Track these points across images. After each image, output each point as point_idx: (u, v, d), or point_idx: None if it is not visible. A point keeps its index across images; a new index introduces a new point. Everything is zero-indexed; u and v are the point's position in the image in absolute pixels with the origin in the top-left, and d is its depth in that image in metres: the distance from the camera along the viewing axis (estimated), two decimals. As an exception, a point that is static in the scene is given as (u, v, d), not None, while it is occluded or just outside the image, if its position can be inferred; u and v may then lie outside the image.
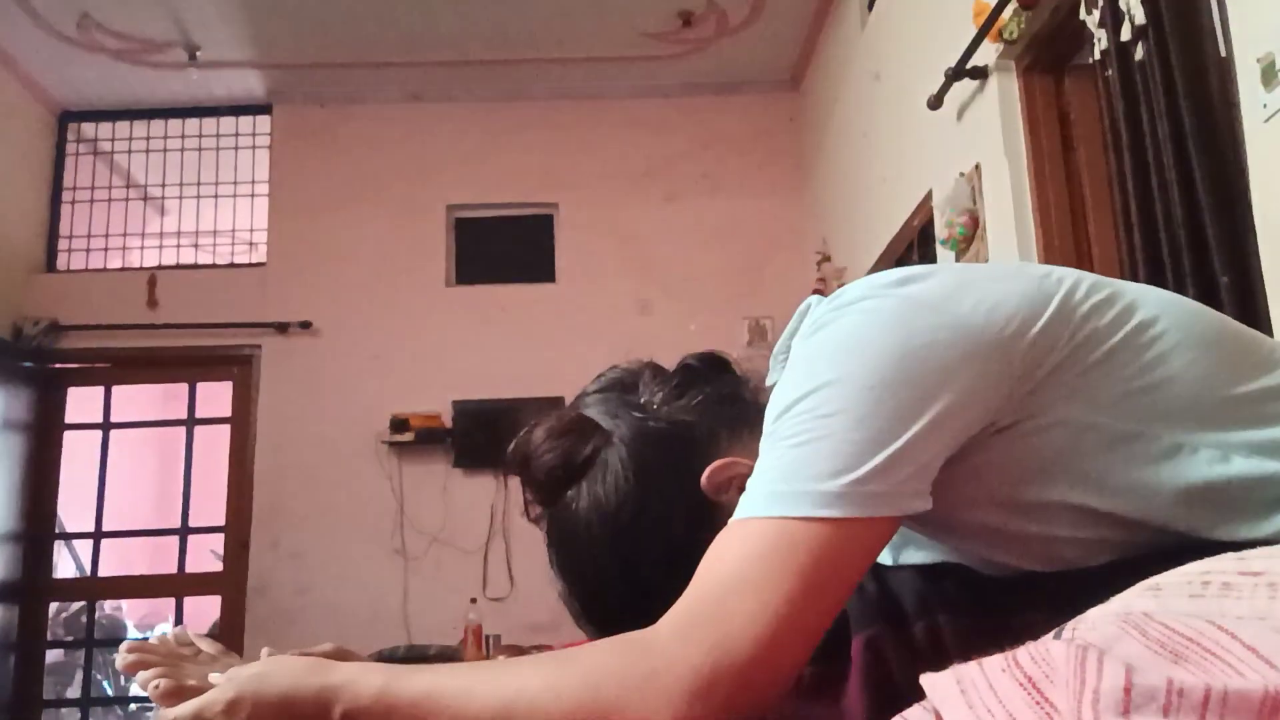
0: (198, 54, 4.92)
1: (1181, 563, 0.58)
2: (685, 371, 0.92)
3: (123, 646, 0.89)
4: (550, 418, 0.91)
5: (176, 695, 0.84)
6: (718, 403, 0.87)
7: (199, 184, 5.46)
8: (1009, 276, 0.76)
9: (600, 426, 0.88)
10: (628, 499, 0.83)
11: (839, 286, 4.08)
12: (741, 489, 0.76)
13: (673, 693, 0.64)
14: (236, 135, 5.47)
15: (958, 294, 0.73)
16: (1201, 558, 0.58)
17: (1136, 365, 0.72)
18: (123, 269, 5.33)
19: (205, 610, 5.41)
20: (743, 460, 0.81)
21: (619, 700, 0.65)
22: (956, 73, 2.98)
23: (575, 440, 0.88)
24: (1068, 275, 0.76)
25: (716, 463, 0.83)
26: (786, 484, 0.68)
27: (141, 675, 0.86)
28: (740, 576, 0.67)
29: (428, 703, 0.70)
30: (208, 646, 0.95)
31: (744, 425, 0.85)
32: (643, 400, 0.90)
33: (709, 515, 0.79)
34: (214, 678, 0.80)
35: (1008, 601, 0.73)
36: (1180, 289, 1.90)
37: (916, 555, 0.83)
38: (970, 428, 0.70)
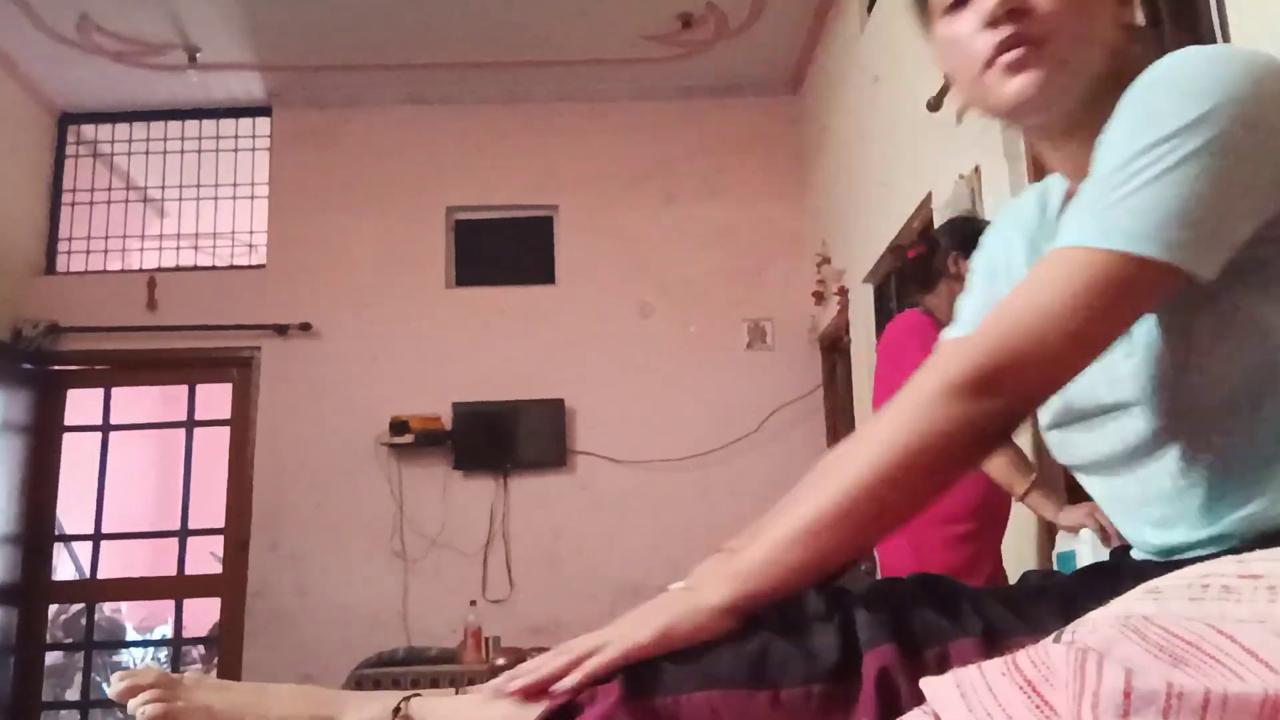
0: (197, 56, 4.92)
1: None
2: None
3: (114, 676, 0.90)
4: None
5: (167, 719, 0.86)
6: None
7: (199, 186, 5.46)
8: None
9: None
10: None
11: (839, 289, 4.05)
12: None
13: (948, 391, 0.77)
14: (236, 137, 5.47)
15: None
16: None
17: None
18: (122, 271, 5.33)
19: (205, 612, 5.40)
20: None
21: (916, 409, 0.78)
22: (956, 75, 2.97)
23: None
24: None
25: None
26: (1099, 218, 0.74)
27: (132, 702, 0.87)
28: (1045, 288, 0.76)
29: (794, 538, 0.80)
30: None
31: None
32: None
33: None
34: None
35: (1025, 629, 0.73)
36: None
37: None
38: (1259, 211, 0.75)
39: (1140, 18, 0.90)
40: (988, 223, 2.36)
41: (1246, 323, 0.77)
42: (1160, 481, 0.83)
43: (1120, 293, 0.73)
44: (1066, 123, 0.88)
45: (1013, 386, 0.76)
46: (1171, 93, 0.76)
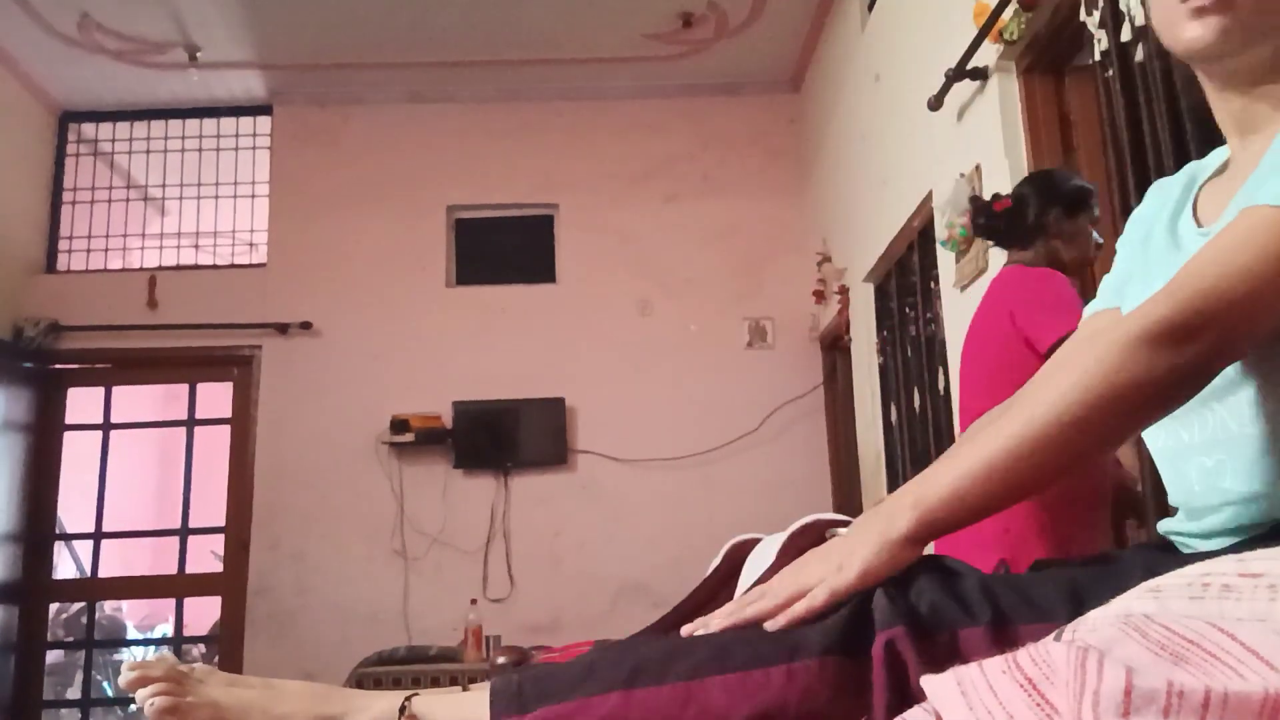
0: (198, 55, 4.92)
1: None
2: None
3: (124, 665, 0.90)
4: None
5: (173, 713, 0.86)
6: None
7: (199, 185, 5.46)
8: None
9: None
10: None
11: (840, 288, 4.06)
12: None
13: (1148, 341, 0.78)
14: (237, 136, 5.47)
15: None
16: None
17: None
18: (123, 269, 5.33)
19: (205, 611, 5.41)
20: None
21: (1115, 356, 0.78)
22: (957, 73, 2.97)
23: None
24: None
25: None
26: None
27: (141, 693, 0.87)
28: (1245, 245, 0.77)
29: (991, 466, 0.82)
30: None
31: None
32: None
33: None
34: None
35: (1040, 615, 0.74)
36: (1180, 290, 1.89)
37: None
38: None
39: None
40: (1077, 175, 2.35)
41: None
42: (1225, 426, 0.86)
43: None
44: (1244, 76, 0.91)
45: (1212, 336, 0.77)
46: None
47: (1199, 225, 0.96)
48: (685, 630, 0.88)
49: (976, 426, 1.09)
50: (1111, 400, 0.79)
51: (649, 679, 0.78)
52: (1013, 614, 0.76)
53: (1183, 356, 0.78)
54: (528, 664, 0.88)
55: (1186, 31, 0.89)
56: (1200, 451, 0.88)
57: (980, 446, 0.83)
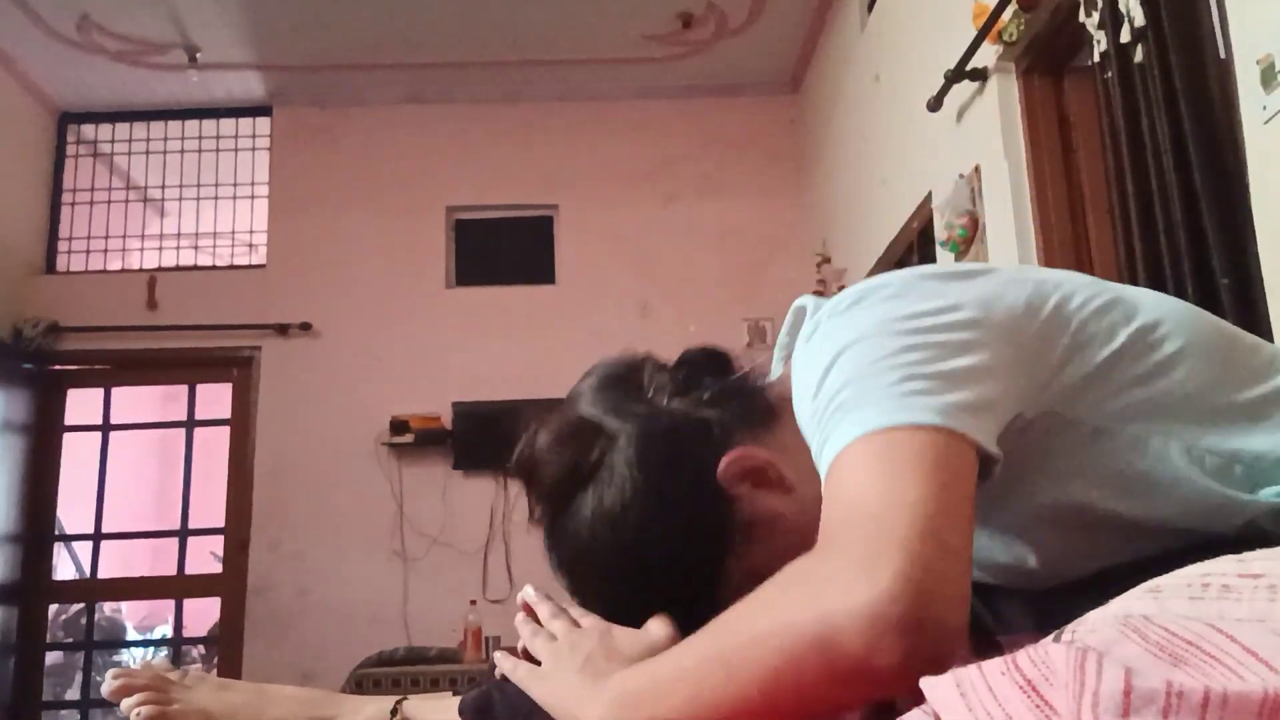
0: (198, 56, 4.92)
1: (1186, 563, 0.58)
2: (688, 365, 0.88)
3: (109, 674, 0.90)
4: (551, 421, 0.86)
5: None
6: (725, 395, 0.83)
7: (199, 185, 5.46)
8: (1007, 277, 0.76)
9: (603, 429, 0.82)
10: (634, 502, 0.79)
11: (839, 288, 4.08)
12: (759, 482, 0.77)
13: (900, 624, 0.57)
14: (236, 137, 5.47)
15: (963, 282, 0.73)
16: (1205, 558, 0.58)
17: (1143, 370, 0.72)
18: (122, 270, 5.33)
19: (205, 612, 5.41)
20: (758, 450, 0.80)
21: (850, 640, 0.57)
22: (956, 74, 2.98)
23: (579, 447, 0.83)
24: (1065, 279, 0.76)
25: (735, 452, 0.79)
26: (867, 407, 0.65)
27: (125, 702, 0.87)
28: (885, 489, 0.62)
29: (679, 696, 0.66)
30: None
31: (754, 416, 0.82)
32: (649, 395, 0.84)
33: (723, 510, 0.77)
34: None
35: (1023, 624, 0.73)
36: (1180, 291, 1.90)
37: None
38: (1009, 402, 0.69)
39: None
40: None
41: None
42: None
43: None
44: None
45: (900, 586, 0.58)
46: (846, 320, 0.75)
47: None
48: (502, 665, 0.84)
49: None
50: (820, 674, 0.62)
51: None
52: (983, 621, 0.74)
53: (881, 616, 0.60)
54: (500, 680, 0.87)
55: None
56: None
57: (702, 640, 0.68)
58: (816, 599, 0.60)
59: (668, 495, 0.79)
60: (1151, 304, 0.76)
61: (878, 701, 0.72)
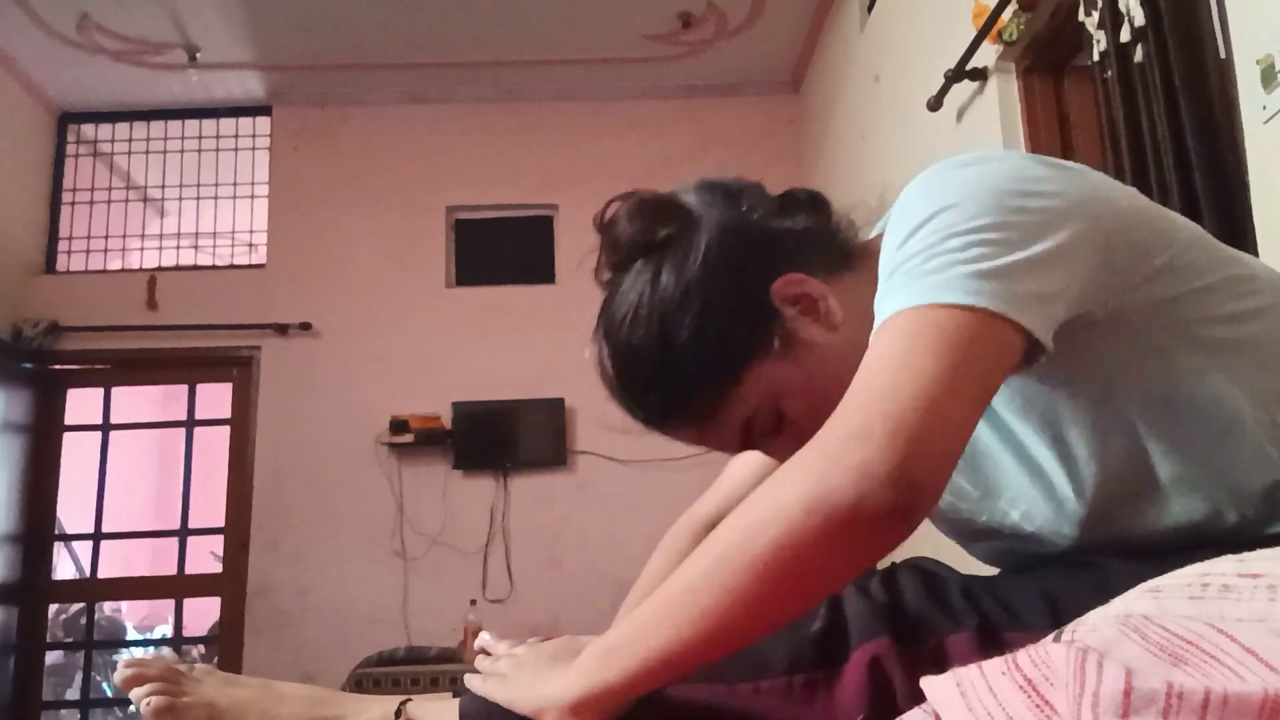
0: (198, 55, 4.92)
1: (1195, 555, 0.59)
2: (789, 196, 0.94)
3: (121, 663, 0.90)
4: (646, 192, 0.92)
5: (169, 713, 0.85)
6: (811, 230, 0.89)
7: (199, 185, 5.46)
8: (1123, 190, 0.80)
9: (690, 213, 0.88)
10: (691, 281, 0.85)
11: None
12: (807, 310, 0.82)
13: (885, 478, 0.63)
14: (236, 136, 5.47)
15: (1078, 176, 0.77)
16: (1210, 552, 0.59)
17: (1229, 312, 0.76)
18: (122, 270, 5.33)
19: (205, 612, 5.41)
20: (817, 284, 0.85)
21: (843, 491, 0.64)
22: (956, 74, 2.98)
23: (661, 217, 0.88)
24: (1171, 214, 0.82)
25: (795, 275, 0.84)
26: (925, 279, 0.70)
27: (136, 692, 0.87)
28: (900, 363, 0.68)
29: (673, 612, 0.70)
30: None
31: (830, 255, 0.88)
32: (744, 207, 0.90)
33: (764, 324, 0.81)
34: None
35: (1020, 624, 0.73)
36: (1180, 290, 1.89)
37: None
38: (1082, 296, 0.73)
39: None
40: None
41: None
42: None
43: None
44: None
45: (883, 443, 0.65)
46: (945, 180, 0.80)
47: None
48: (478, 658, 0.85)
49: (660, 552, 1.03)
50: (792, 545, 0.68)
51: None
52: (997, 621, 0.74)
53: (854, 475, 0.66)
54: None
55: None
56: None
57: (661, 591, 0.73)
58: (810, 468, 0.65)
59: (721, 287, 0.84)
60: (1250, 260, 0.81)
61: (878, 701, 0.72)
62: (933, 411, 0.65)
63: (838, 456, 0.64)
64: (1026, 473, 0.80)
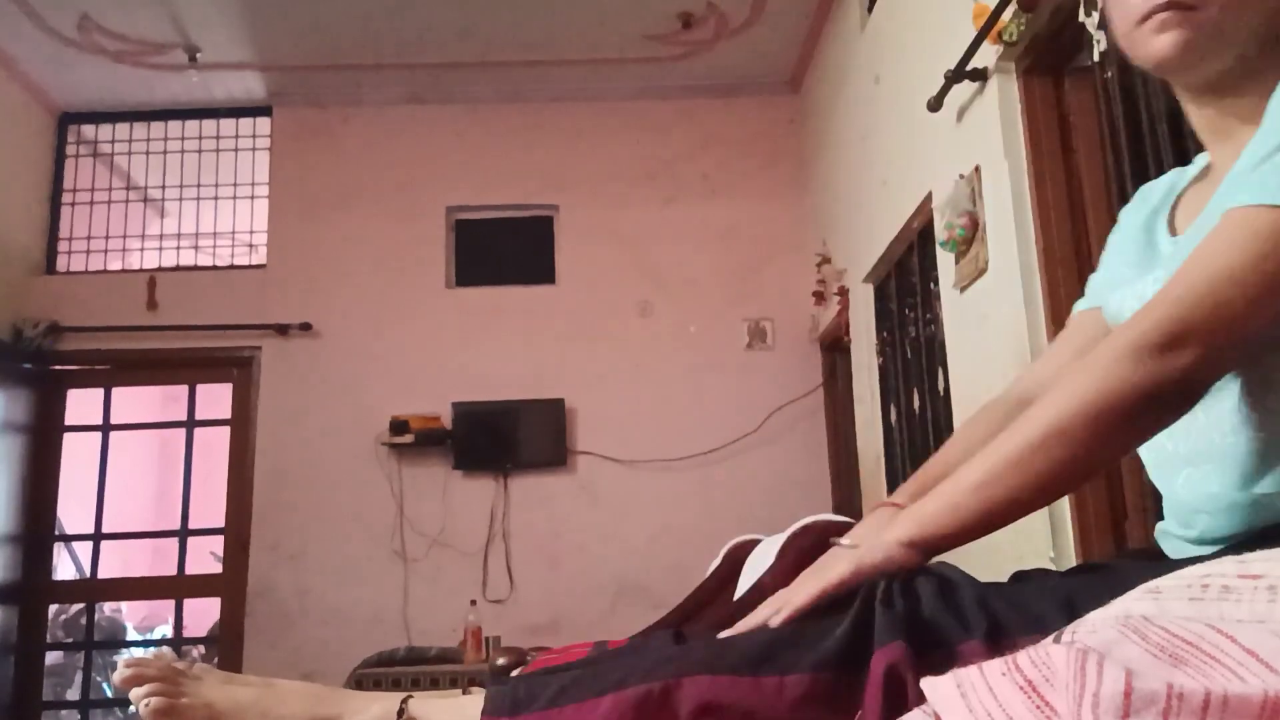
0: (198, 56, 4.92)
1: None
2: None
3: (120, 662, 0.90)
4: None
5: (169, 713, 0.85)
6: None
7: (199, 186, 5.45)
8: None
9: None
10: None
11: (839, 289, 4.05)
12: None
13: (1132, 350, 0.78)
14: (236, 137, 5.47)
15: None
16: None
17: None
18: (123, 271, 5.33)
19: (205, 612, 5.41)
20: None
21: (1103, 366, 0.79)
22: (956, 75, 2.97)
23: None
24: None
25: None
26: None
27: (135, 692, 0.87)
28: (1238, 246, 0.76)
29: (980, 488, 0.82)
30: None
31: None
32: None
33: None
34: None
35: (1040, 627, 0.73)
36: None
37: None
38: None
39: None
40: None
41: None
42: (1209, 435, 0.86)
43: None
44: (1212, 86, 0.90)
45: (1199, 345, 0.76)
46: None
47: (1173, 233, 0.96)
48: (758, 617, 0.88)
49: (970, 424, 1.09)
50: (1103, 412, 0.78)
51: (636, 680, 0.78)
52: (1010, 626, 0.75)
53: (1170, 366, 0.77)
54: (525, 673, 0.87)
55: (1150, 47, 0.89)
56: (1187, 461, 0.88)
57: (978, 460, 0.83)
58: (1112, 365, 0.80)
59: None
60: None
61: (892, 705, 0.72)
62: (1248, 327, 0.76)
63: (1136, 356, 0.78)
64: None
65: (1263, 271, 0.75)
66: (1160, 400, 0.79)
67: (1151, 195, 1.05)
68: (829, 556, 0.89)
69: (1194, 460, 0.87)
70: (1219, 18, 0.85)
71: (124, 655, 5.89)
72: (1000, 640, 0.73)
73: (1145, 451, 0.95)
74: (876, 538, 0.85)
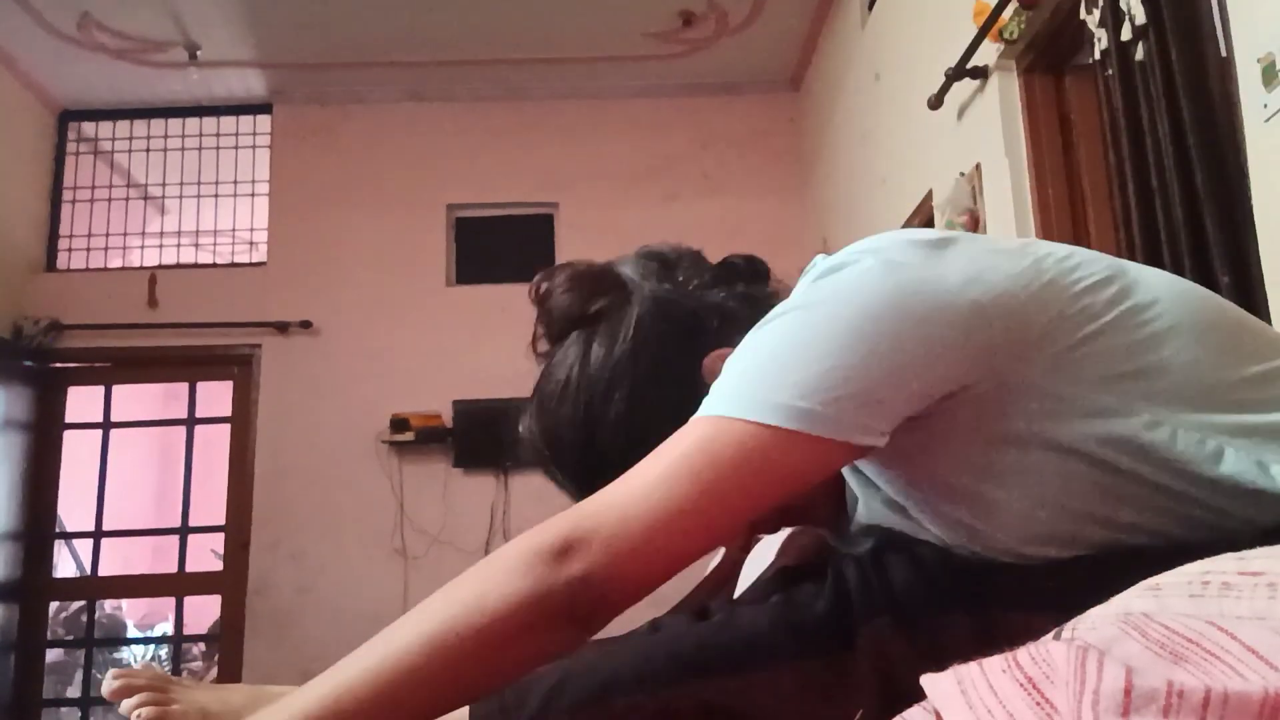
0: (198, 53, 4.92)
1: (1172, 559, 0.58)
2: (726, 265, 0.93)
3: (109, 674, 0.89)
4: (581, 264, 0.93)
5: None
6: (745, 302, 0.88)
7: (199, 183, 5.45)
8: (1008, 251, 0.76)
9: (625, 285, 0.89)
10: (620, 360, 0.85)
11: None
12: None
13: (523, 555, 0.70)
14: (237, 135, 5.47)
15: (950, 261, 0.74)
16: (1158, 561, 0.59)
17: (1127, 345, 0.72)
18: (123, 268, 5.34)
19: (205, 610, 5.41)
20: None
21: (491, 570, 0.73)
22: (957, 73, 2.98)
23: (595, 289, 0.89)
24: (1071, 254, 0.77)
25: (722, 351, 0.82)
26: (734, 389, 0.70)
27: (126, 703, 0.86)
28: (661, 458, 0.69)
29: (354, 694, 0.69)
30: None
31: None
32: (679, 279, 0.90)
33: (691, 402, 0.76)
34: None
35: (1016, 601, 0.73)
36: (1180, 289, 1.89)
37: (902, 524, 0.82)
38: (935, 385, 0.71)
39: None
40: None
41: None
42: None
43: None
44: None
45: (594, 554, 0.67)
46: (819, 285, 0.79)
47: None
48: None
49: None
50: (479, 625, 0.70)
51: (620, 691, 0.77)
52: (991, 598, 0.73)
53: (556, 576, 0.68)
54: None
55: None
56: None
57: (358, 660, 0.70)
58: (517, 566, 0.73)
59: (649, 365, 0.85)
60: (1151, 282, 0.77)
61: (879, 700, 0.72)
62: (657, 541, 0.66)
63: (549, 559, 0.69)
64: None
65: (680, 482, 0.68)
66: (544, 617, 0.69)
67: None
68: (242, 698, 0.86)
69: None
70: None
71: (126, 654, 5.90)
72: (981, 612, 0.72)
73: None
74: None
